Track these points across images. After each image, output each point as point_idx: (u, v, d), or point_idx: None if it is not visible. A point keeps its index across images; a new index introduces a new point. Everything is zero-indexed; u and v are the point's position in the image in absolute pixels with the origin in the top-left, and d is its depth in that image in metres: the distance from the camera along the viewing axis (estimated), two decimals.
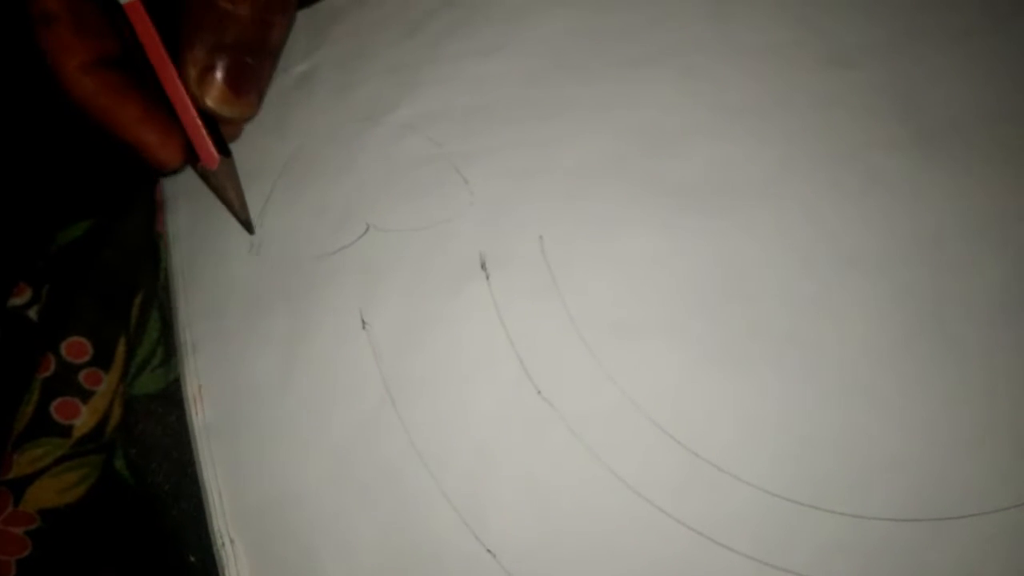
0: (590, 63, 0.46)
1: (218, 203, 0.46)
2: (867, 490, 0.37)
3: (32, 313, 0.54)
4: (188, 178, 0.47)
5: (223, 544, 0.38)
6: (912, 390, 0.38)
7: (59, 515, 0.50)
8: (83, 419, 0.50)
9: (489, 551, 0.37)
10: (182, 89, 0.40)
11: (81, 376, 0.51)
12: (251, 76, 0.42)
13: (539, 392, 0.39)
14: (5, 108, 0.58)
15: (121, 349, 0.51)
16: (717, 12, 0.47)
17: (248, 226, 0.45)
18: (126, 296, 0.51)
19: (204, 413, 0.41)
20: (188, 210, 0.47)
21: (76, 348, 0.51)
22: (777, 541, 0.36)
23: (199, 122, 0.41)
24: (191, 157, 0.43)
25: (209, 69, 0.40)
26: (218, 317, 0.43)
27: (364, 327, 0.41)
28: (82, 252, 0.54)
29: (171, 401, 0.46)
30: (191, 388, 0.42)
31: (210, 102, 0.41)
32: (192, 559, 0.43)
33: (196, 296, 0.44)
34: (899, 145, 0.43)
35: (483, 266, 0.42)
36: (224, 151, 0.43)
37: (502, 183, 0.44)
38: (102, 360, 0.51)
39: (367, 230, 0.43)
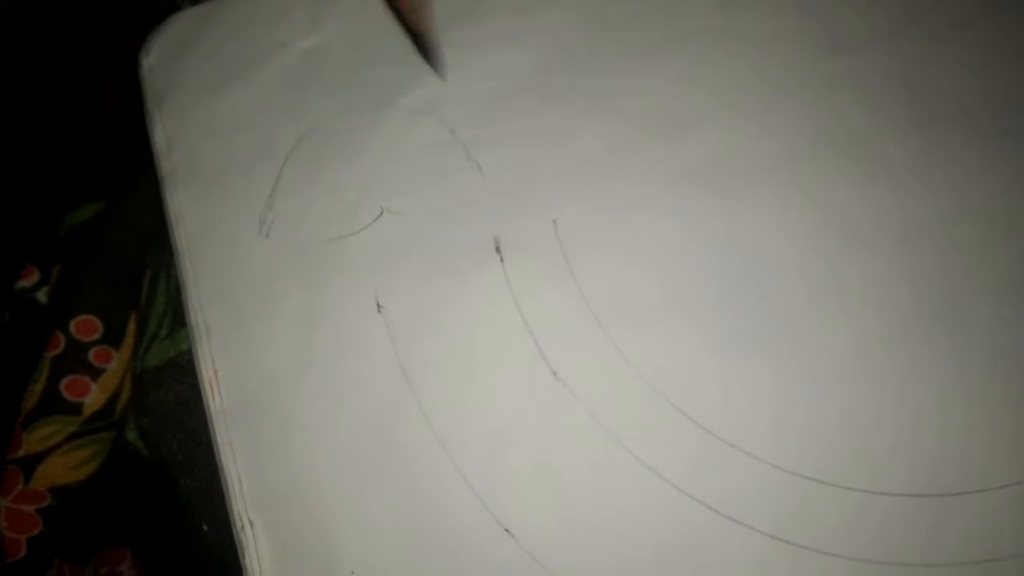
0: (599, 51, 0.45)
1: (223, 180, 0.44)
2: (878, 466, 0.36)
3: (41, 295, 0.53)
4: (185, 154, 0.46)
5: (242, 527, 0.37)
6: (922, 369, 0.37)
7: (69, 492, 0.49)
8: (93, 396, 0.49)
9: (507, 531, 0.36)
10: None
11: (91, 354, 0.49)
12: None
13: (555, 374, 0.38)
14: (14, 93, 0.56)
15: (132, 327, 0.49)
16: (722, 0, 0.46)
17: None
18: (135, 274, 0.49)
19: (221, 398, 0.40)
20: (189, 188, 0.44)
21: (85, 326, 0.50)
22: (790, 517, 0.35)
23: None
24: None
25: None
26: (230, 300, 0.41)
27: (380, 310, 0.40)
28: (91, 233, 0.52)
29: (181, 371, 0.45)
30: (206, 373, 0.40)
31: None
32: (206, 528, 0.42)
33: (206, 278, 0.42)
34: (904, 130, 0.42)
35: (497, 249, 0.41)
36: None
37: (515, 168, 0.43)
38: (112, 337, 0.50)
39: (381, 214, 0.42)
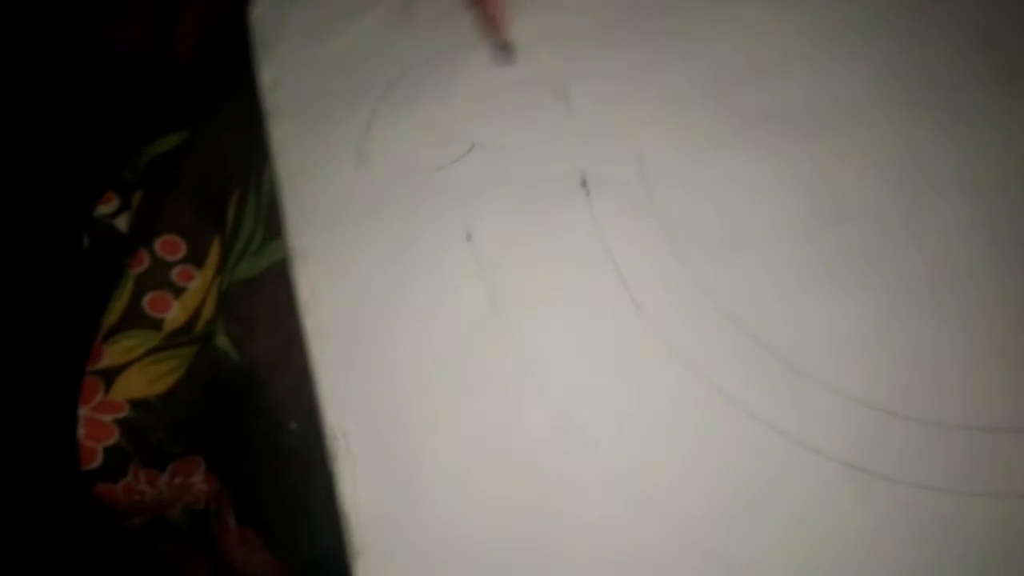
0: None
1: (322, 116, 0.45)
2: (950, 400, 0.37)
3: (120, 222, 0.54)
4: (288, 93, 0.47)
5: (335, 436, 0.38)
6: (993, 307, 0.38)
7: (147, 405, 0.49)
8: (174, 314, 0.50)
9: (590, 451, 0.37)
10: None
11: (174, 273, 0.50)
12: None
13: (638, 306, 0.39)
14: (90, 34, 0.57)
15: (215, 249, 0.50)
16: None
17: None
18: (220, 198, 0.50)
19: (317, 316, 0.40)
20: (291, 123, 0.45)
21: (170, 245, 0.50)
22: (864, 446, 0.36)
23: None
24: None
25: None
26: (327, 225, 0.42)
27: (469, 240, 0.41)
28: (175, 160, 0.53)
29: (275, 279, 0.45)
30: (304, 293, 0.41)
31: None
32: (293, 426, 0.43)
33: (305, 205, 0.43)
34: (986, 82, 0.43)
35: (583, 184, 0.41)
36: None
37: (601, 105, 0.43)
38: (195, 258, 0.50)
39: (471, 148, 0.43)
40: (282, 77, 0.47)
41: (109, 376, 0.49)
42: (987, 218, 0.40)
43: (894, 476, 0.35)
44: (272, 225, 0.46)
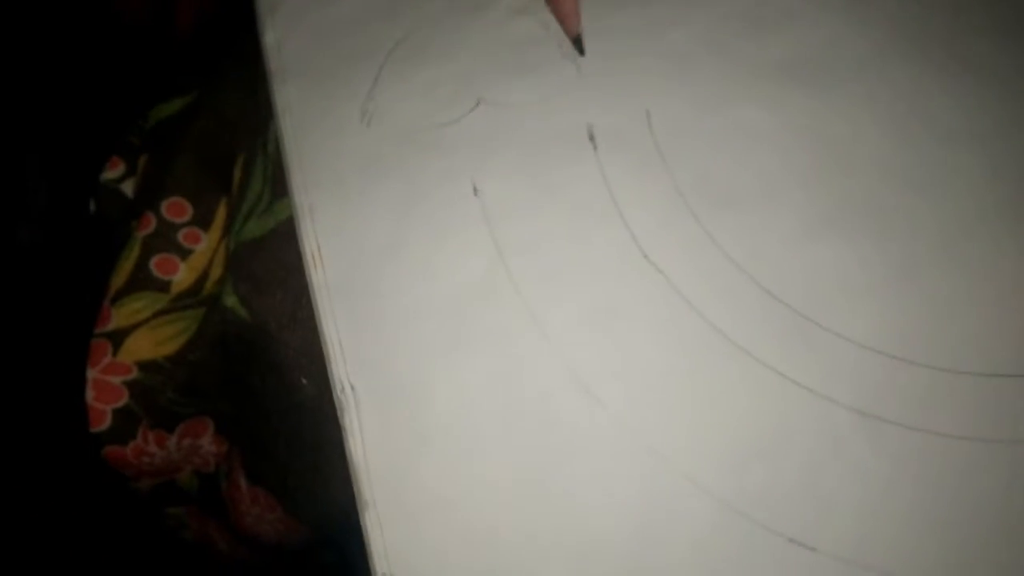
0: None
1: (327, 76, 0.45)
2: (961, 346, 0.36)
3: (126, 187, 0.53)
4: (293, 53, 0.46)
5: (343, 389, 0.38)
6: (1002, 255, 0.38)
7: (156, 367, 0.49)
8: (181, 276, 0.50)
9: (599, 402, 0.37)
10: None
11: (180, 235, 0.50)
12: None
13: (646, 256, 0.38)
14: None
15: (222, 211, 0.50)
16: None
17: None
18: (226, 161, 0.50)
19: (324, 270, 0.40)
20: (296, 82, 0.45)
21: (176, 208, 0.50)
22: (874, 392, 0.36)
23: None
24: None
25: None
26: (333, 182, 0.42)
27: (476, 194, 0.40)
28: (181, 123, 0.52)
29: (282, 238, 0.45)
30: (310, 247, 0.41)
31: None
32: (305, 382, 0.43)
33: (310, 163, 0.42)
34: (986, 32, 0.43)
35: (591, 138, 0.41)
36: None
37: (609, 61, 0.43)
38: (201, 220, 0.50)
39: (478, 104, 0.42)
40: (286, 37, 0.46)
41: (117, 338, 0.49)
42: (993, 166, 0.40)
43: (907, 423, 0.35)
44: (279, 185, 0.46)
